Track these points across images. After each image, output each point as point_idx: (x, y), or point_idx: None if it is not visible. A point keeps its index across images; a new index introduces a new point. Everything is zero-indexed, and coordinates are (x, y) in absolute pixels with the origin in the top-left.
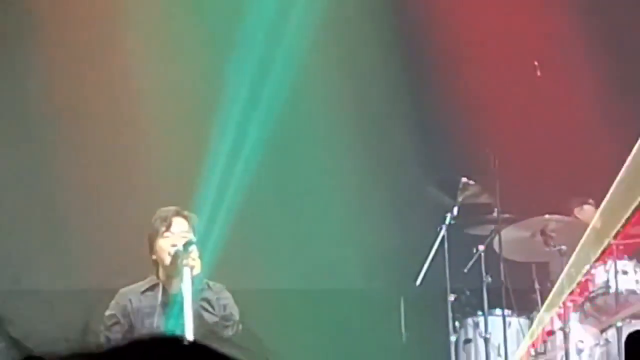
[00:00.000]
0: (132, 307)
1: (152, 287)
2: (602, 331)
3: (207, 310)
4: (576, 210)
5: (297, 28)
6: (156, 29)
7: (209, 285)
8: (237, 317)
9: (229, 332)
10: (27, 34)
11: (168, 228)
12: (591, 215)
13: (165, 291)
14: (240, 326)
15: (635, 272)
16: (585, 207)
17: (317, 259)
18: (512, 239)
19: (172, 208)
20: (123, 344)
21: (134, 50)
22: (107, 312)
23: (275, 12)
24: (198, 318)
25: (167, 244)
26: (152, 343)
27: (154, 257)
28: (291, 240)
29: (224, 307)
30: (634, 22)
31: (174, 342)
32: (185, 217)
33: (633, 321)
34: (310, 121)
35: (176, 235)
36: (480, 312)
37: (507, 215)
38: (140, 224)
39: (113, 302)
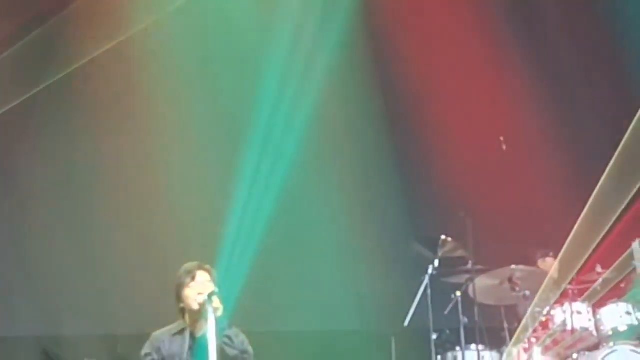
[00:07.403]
0: (165, 348)
1: (181, 331)
2: None
3: (228, 345)
4: (539, 262)
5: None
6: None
7: (229, 326)
8: (252, 352)
9: None
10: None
11: (193, 279)
12: (551, 266)
13: (192, 334)
14: None
15: (588, 312)
16: (547, 259)
17: (318, 305)
18: (484, 286)
19: (195, 263)
20: None
21: (166, 135)
22: (143, 351)
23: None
24: (221, 352)
25: (194, 293)
26: None
27: (181, 305)
28: (295, 289)
29: (242, 342)
30: (586, 99)
31: None
32: (206, 270)
33: (587, 353)
34: (313, 189)
35: (201, 285)
36: (458, 348)
37: (479, 267)
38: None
39: (148, 343)
